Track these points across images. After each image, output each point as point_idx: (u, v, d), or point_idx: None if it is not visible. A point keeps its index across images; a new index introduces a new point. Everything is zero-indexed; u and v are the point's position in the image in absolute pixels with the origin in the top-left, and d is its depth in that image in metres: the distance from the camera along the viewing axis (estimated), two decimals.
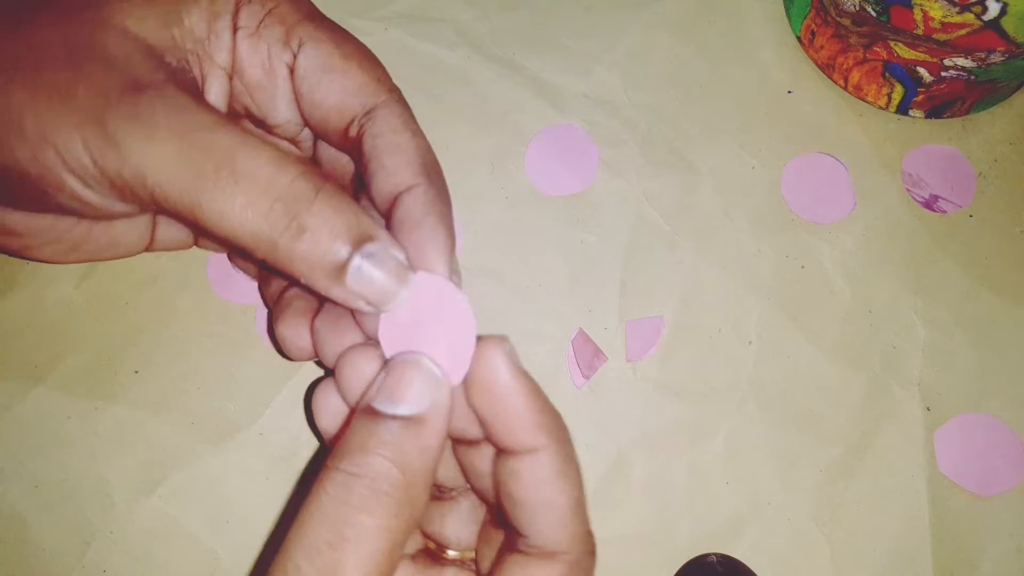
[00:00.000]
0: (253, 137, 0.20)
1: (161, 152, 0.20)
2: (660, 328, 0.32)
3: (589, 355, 0.32)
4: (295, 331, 0.25)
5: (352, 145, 0.24)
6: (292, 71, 0.24)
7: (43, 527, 0.29)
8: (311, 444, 0.31)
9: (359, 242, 0.20)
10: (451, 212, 0.23)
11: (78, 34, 0.22)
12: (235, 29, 0.24)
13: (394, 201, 0.23)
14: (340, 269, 0.20)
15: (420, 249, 0.22)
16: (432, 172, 0.23)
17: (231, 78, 0.24)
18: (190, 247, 0.30)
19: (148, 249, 0.29)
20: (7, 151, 0.21)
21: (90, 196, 0.22)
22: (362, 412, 0.20)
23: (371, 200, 0.24)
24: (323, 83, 0.24)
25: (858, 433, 0.32)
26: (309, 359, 0.26)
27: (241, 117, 0.26)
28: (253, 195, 0.20)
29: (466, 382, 0.20)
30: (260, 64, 0.24)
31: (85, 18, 0.22)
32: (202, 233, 0.21)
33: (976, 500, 0.31)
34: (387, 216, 0.23)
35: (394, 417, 0.19)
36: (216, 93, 0.24)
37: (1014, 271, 0.34)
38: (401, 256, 0.21)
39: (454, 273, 0.22)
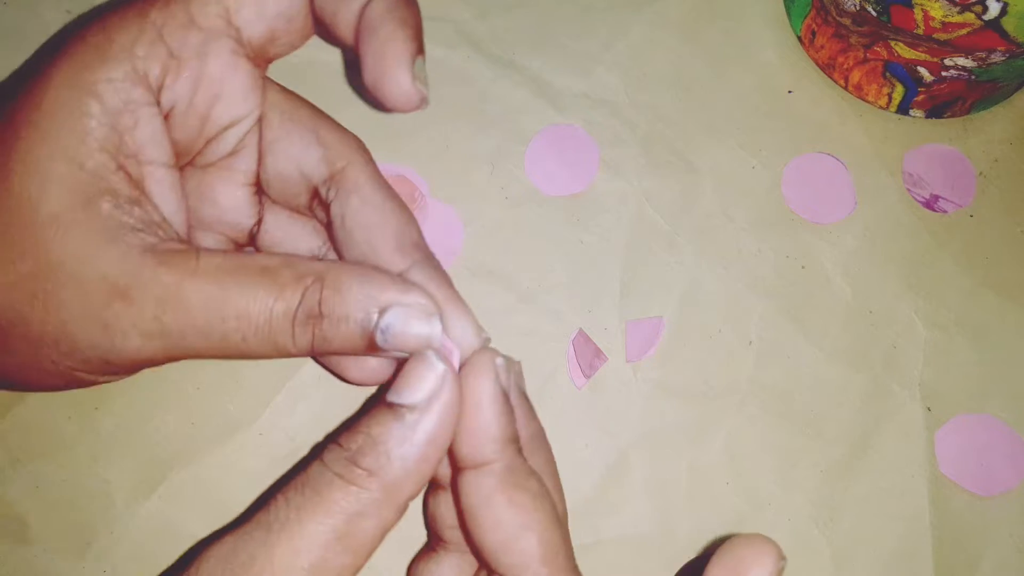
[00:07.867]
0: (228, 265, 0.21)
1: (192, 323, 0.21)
2: (660, 328, 0.32)
3: (589, 355, 0.32)
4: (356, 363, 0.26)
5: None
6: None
7: (43, 527, 0.29)
8: (311, 444, 0.31)
9: (381, 309, 0.20)
10: (419, 19, 0.21)
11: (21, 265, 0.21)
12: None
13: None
14: (370, 343, 0.21)
15: (378, 58, 0.20)
16: None
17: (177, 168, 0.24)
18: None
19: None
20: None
21: (108, 379, 0.24)
22: (379, 403, 0.20)
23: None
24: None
25: (858, 433, 0.32)
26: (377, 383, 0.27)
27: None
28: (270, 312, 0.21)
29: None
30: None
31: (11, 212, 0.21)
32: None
33: (976, 500, 0.31)
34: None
35: (392, 405, 0.20)
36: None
37: (1015, 271, 0.34)
38: (420, 299, 0.21)
39: (417, 80, 0.20)
